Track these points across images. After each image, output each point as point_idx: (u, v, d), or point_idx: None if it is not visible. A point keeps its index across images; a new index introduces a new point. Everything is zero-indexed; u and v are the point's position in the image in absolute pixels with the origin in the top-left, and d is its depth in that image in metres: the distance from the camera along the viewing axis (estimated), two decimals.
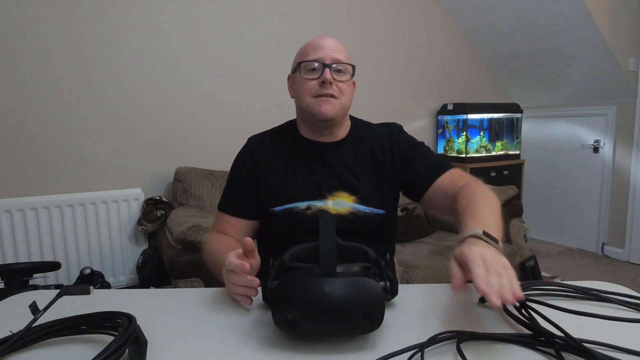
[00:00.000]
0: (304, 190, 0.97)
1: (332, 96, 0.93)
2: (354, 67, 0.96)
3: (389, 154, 1.01)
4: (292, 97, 1.02)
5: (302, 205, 0.96)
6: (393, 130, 1.04)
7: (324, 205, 0.96)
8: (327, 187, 0.97)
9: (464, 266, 0.59)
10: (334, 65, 0.93)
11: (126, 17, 2.16)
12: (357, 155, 1.01)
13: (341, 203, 0.97)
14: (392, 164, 1.01)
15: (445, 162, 1.00)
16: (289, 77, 1.03)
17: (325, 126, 0.98)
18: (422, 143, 1.05)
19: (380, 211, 0.99)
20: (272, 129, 1.08)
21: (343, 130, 1.03)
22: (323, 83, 0.92)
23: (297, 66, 0.96)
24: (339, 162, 0.99)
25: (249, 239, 0.70)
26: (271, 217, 0.97)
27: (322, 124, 0.97)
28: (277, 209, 0.96)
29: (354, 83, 1.02)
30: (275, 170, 0.99)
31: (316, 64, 0.93)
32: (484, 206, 0.79)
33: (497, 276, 0.55)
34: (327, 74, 0.92)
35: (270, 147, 1.02)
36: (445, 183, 0.96)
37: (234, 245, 0.89)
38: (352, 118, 1.08)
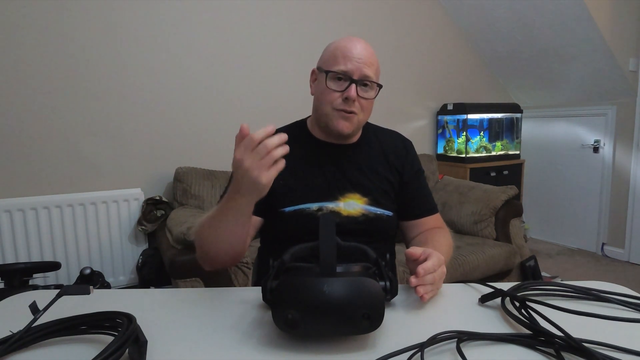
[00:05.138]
0: (315, 191, 0.96)
1: (353, 112, 0.92)
2: (379, 87, 0.94)
3: (401, 165, 1.04)
4: (312, 94, 1.00)
5: (314, 206, 0.95)
6: (408, 146, 1.08)
7: (335, 207, 0.96)
8: (339, 189, 0.97)
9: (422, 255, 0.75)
10: (360, 82, 0.90)
11: (126, 17, 2.16)
12: (370, 157, 1.02)
13: (353, 204, 0.96)
14: (400, 176, 1.03)
15: (435, 204, 1.08)
16: (313, 71, 0.99)
17: (339, 137, 0.98)
18: (424, 171, 1.10)
19: (390, 213, 1.00)
20: (279, 129, 1.07)
21: (356, 135, 1.03)
22: (346, 99, 0.90)
23: (325, 73, 0.92)
24: (352, 163, 1.00)
25: (245, 125, 0.68)
26: (281, 217, 0.96)
27: (336, 136, 0.97)
28: (288, 209, 0.95)
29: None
30: (285, 171, 0.98)
31: (343, 76, 0.90)
32: (442, 240, 0.97)
33: (432, 279, 0.71)
34: (352, 91, 0.89)
35: None
36: (427, 222, 1.04)
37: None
38: None
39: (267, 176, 0.68)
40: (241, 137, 0.67)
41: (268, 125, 0.68)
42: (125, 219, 2.20)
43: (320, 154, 1.00)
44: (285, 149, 0.68)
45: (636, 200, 2.90)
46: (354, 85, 0.89)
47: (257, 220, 1.00)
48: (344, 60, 0.90)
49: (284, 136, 0.67)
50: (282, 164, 0.69)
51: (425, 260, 0.72)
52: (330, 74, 0.91)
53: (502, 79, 3.55)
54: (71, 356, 0.55)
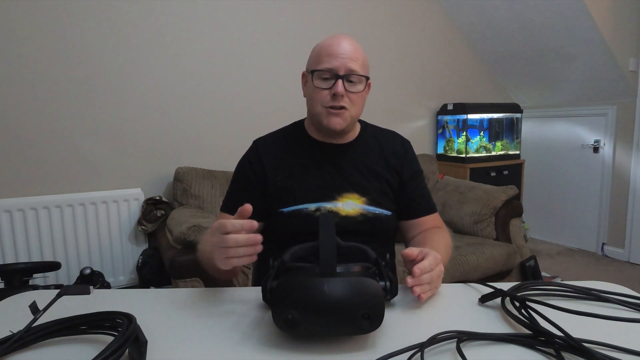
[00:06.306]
0: (313, 192, 0.96)
1: (343, 108, 0.92)
2: (366, 79, 0.94)
3: (400, 165, 1.04)
4: (304, 96, 1.01)
5: (312, 206, 0.95)
6: (407, 147, 1.08)
7: (333, 207, 0.96)
8: (337, 189, 0.97)
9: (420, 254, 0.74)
10: (346, 77, 0.91)
11: (126, 16, 2.16)
12: (368, 156, 1.02)
13: (351, 204, 0.97)
14: (399, 176, 1.03)
15: (434, 204, 1.08)
16: (303, 74, 1.01)
17: (332, 134, 0.99)
18: (422, 171, 1.10)
19: (388, 212, 1.00)
20: (278, 130, 1.08)
21: (353, 133, 1.04)
22: (334, 95, 0.91)
23: (310, 73, 0.94)
24: (349, 163, 1.00)
25: (248, 205, 0.66)
26: (280, 218, 0.96)
27: (331, 133, 0.97)
28: (286, 210, 0.96)
29: (369, 84, 1.01)
30: (283, 172, 0.99)
31: (328, 74, 0.91)
32: (441, 239, 0.96)
33: (429, 278, 0.71)
34: (339, 86, 0.90)
35: (278, 149, 1.02)
36: (425, 222, 1.04)
37: None
38: (360, 121, 1.08)
39: (225, 264, 0.66)
40: (240, 214, 0.67)
41: (246, 212, 0.66)
42: (125, 219, 2.20)
43: (318, 154, 1.00)
44: (253, 250, 0.65)
45: (636, 200, 2.90)
46: (340, 81, 0.90)
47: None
48: (329, 58, 0.91)
49: (257, 237, 0.65)
50: (244, 261, 0.66)
51: (422, 260, 0.72)
52: (316, 73, 0.93)
53: (502, 79, 3.55)
54: (71, 356, 0.55)
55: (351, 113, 0.94)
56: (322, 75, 0.92)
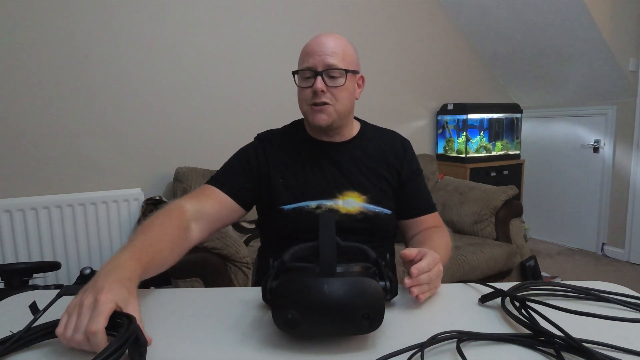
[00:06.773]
0: (314, 190, 0.97)
1: (325, 104, 0.93)
2: (347, 72, 0.93)
3: (400, 165, 1.04)
4: None
5: (313, 204, 0.96)
6: (406, 146, 1.08)
7: (334, 205, 0.96)
8: (338, 187, 0.98)
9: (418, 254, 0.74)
10: (325, 72, 0.92)
11: (126, 16, 2.16)
12: (368, 154, 1.02)
13: (351, 203, 0.97)
14: (398, 176, 1.04)
15: (433, 203, 1.09)
16: None
17: (325, 131, 0.99)
18: (422, 171, 1.10)
19: (388, 211, 1.00)
20: (279, 128, 1.09)
21: (351, 130, 1.04)
22: (315, 92, 0.92)
23: (294, 74, 0.97)
24: (349, 161, 1.00)
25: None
26: (280, 215, 0.97)
27: (320, 130, 0.99)
28: (287, 207, 0.96)
29: (362, 78, 1.02)
30: (285, 169, 1.00)
31: (308, 73, 0.93)
32: (440, 239, 0.96)
33: (427, 278, 0.70)
34: (318, 83, 0.91)
35: (280, 146, 1.03)
36: (425, 221, 1.05)
37: (173, 241, 0.81)
38: (360, 120, 1.09)
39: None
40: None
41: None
42: (125, 219, 2.20)
43: (317, 152, 1.01)
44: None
45: (636, 200, 2.90)
46: (319, 78, 0.91)
47: (237, 211, 0.97)
48: (307, 57, 0.94)
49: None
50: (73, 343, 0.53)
51: (420, 260, 0.72)
52: (299, 74, 0.95)
53: (502, 79, 3.55)
54: (71, 356, 0.55)
55: (336, 108, 0.94)
56: (304, 75, 0.94)
